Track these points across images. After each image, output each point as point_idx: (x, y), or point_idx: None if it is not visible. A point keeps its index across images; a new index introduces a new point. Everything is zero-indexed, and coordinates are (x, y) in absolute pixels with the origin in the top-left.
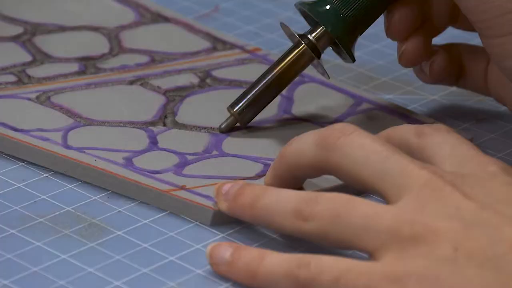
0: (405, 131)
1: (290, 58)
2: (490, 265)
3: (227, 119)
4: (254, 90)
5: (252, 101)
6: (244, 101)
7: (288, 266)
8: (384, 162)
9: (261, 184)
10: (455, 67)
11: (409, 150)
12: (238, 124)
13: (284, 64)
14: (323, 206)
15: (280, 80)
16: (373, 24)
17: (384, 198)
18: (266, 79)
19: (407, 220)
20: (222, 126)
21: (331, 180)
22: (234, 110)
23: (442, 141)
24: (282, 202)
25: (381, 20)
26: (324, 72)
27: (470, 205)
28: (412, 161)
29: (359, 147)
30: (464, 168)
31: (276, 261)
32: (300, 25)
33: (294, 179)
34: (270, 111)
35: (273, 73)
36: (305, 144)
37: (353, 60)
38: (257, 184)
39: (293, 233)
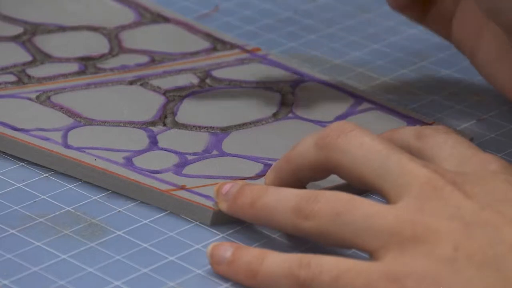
0: (405, 133)
1: None
2: (490, 266)
3: None
4: None
5: None
6: None
7: (289, 266)
8: (384, 161)
9: (261, 184)
10: None
11: (410, 153)
12: None
13: None
14: (323, 205)
15: None
16: (373, 25)
17: (384, 196)
18: None
19: (408, 220)
20: None
21: (332, 180)
22: None
23: (442, 142)
24: (282, 201)
25: (380, 20)
26: None
27: (471, 205)
28: (412, 159)
29: (359, 145)
30: (464, 167)
31: (276, 261)
32: (300, 25)
33: (298, 181)
34: (270, 110)
35: None
36: (305, 145)
37: None
38: (257, 183)
39: (294, 231)
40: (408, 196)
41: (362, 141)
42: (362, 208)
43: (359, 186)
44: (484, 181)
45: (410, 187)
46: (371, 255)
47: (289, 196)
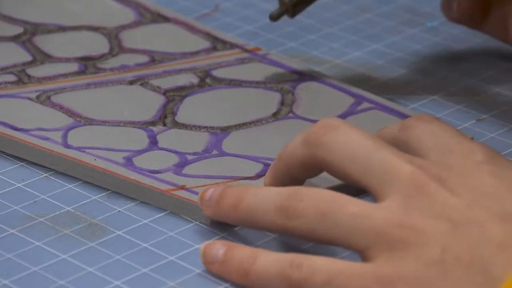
0: (391, 127)
1: None
2: (477, 266)
3: (278, 8)
4: None
5: None
6: None
7: (280, 266)
8: (369, 158)
9: (242, 185)
10: (480, 6)
11: (398, 146)
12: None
13: None
14: (307, 204)
15: None
16: (372, 25)
17: (371, 193)
18: None
19: (395, 221)
20: (274, 12)
21: (331, 180)
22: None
23: (426, 132)
24: (264, 201)
25: (381, 20)
26: None
27: (456, 203)
28: (397, 155)
29: (344, 142)
30: (449, 158)
31: (268, 260)
32: (300, 24)
33: (293, 180)
34: (270, 109)
35: None
36: (294, 144)
37: None
38: (239, 185)
39: (279, 232)
40: (394, 194)
41: (347, 138)
42: (349, 208)
43: (348, 183)
44: (469, 174)
45: (395, 185)
46: (360, 254)
47: (270, 196)
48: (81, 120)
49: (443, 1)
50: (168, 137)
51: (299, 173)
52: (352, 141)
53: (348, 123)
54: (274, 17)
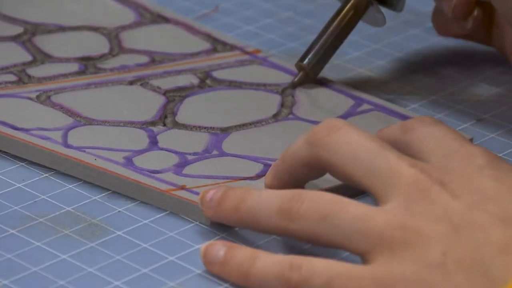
0: (392, 128)
1: (350, 6)
2: (478, 269)
3: (297, 74)
4: (320, 42)
5: (321, 53)
6: (312, 53)
7: (280, 268)
8: (372, 160)
9: (243, 187)
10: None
11: (398, 147)
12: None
13: (345, 13)
14: (308, 206)
15: (342, 30)
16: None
17: (373, 195)
18: (329, 30)
19: (397, 224)
20: (296, 80)
21: (331, 180)
22: (305, 63)
23: (427, 134)
24: (266, 203)
25: None
26: (382, 17)
27: (458, 206)
28: (400, 158)
29: (347, 143)
30: (451, 161)
31: (268, 262)
32: (300, 25)
33: (294, 181)
34: (270, 111)
35: (335, 24)
36: (298, 144)
37: (401, 9)
38: (240, 187)
39: (280, 234)
40: (396, 197)
41: (350, 139)
42: (350, 210)
43: (349, 184)
44: (470, 178)
45: (397, 188)
46: (361, 257)
47: (272, 198)
48: (81, 120)
49: (433, 16)
50: (168, 137)
51: (302, 174)
52: (355, 142)
53: (351, 124)
54: (296, 85)
